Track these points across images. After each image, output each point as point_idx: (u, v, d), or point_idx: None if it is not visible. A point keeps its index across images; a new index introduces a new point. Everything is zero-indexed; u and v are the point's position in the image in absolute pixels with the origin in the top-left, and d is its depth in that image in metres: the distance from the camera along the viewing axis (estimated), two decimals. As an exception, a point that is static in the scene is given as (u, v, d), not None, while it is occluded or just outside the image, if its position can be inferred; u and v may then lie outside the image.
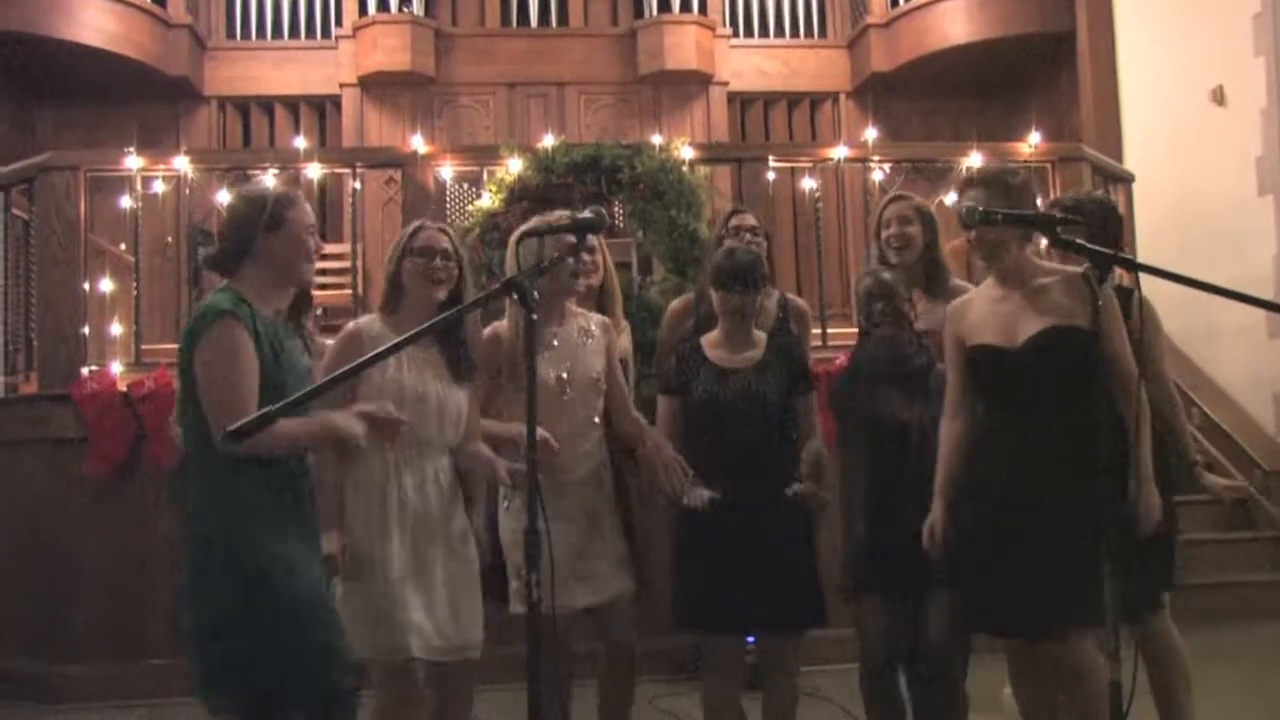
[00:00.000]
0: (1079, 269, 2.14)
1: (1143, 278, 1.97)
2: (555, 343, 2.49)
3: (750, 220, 3.02)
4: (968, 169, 4.51)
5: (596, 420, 2.52)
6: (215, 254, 2.12)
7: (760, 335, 2.58)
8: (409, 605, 2.20)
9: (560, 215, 2.48)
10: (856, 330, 2.70)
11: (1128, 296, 2.43)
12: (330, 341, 2.41)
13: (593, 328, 2.56)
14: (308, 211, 2.13)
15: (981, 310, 2.28)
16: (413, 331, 1.89)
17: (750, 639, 2.58)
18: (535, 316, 1.76)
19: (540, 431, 2.22)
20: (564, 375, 2.46)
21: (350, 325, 2.38)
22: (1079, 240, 1.83)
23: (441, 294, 2.34)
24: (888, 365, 2.49)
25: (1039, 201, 2.57)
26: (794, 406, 2.51)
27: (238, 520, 1.94)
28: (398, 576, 2.21)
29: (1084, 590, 1.93)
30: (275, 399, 1.79)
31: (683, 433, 2.52)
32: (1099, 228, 2.49)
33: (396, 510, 2.24)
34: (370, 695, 2.24)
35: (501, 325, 2.49)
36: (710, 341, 2.57)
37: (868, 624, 2.51)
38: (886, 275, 2.56)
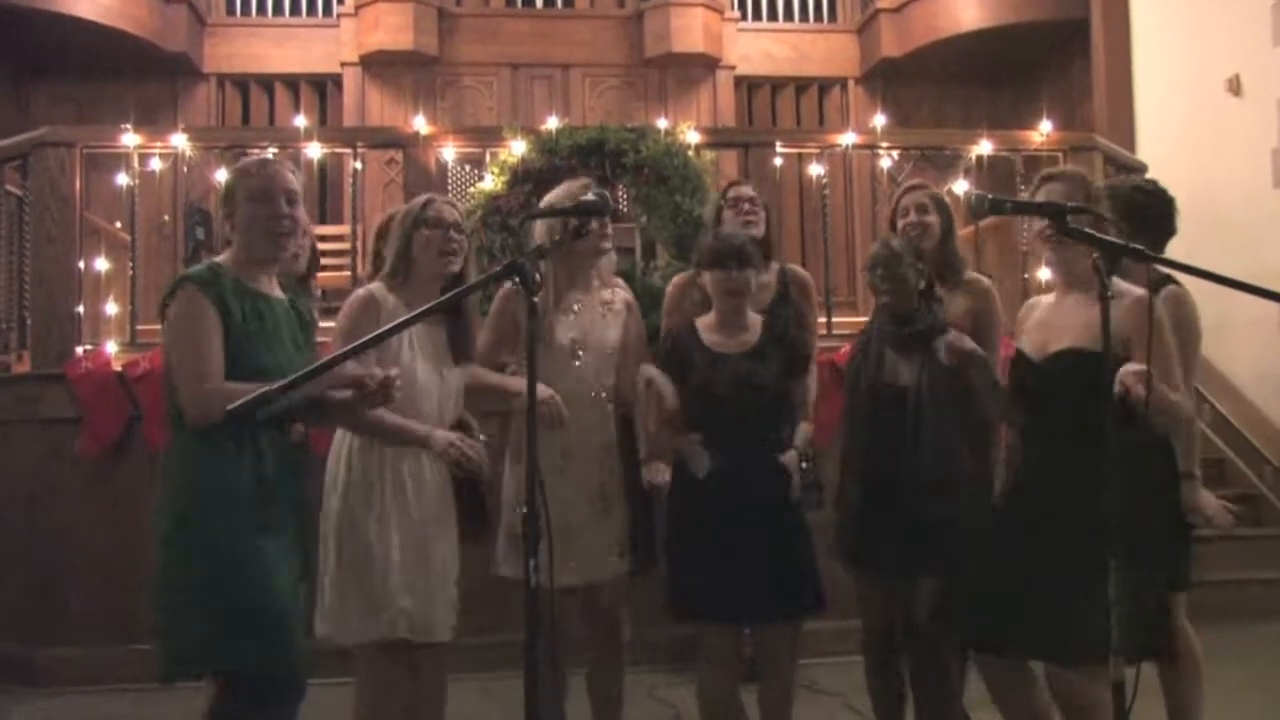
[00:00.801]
0: (1143, 291, 2.03)
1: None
2: (576, 308, 2.50)
3: (748, 191, 2.94)
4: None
5: (606, 395, 2.49)
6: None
7: (755, 318, 2.51)
8: (399, 589, 2.20)
9: (572, 186, 2.45)
10: (862, 319, 2.68)
11: (1160, 288, 2.36)
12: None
13: (617, 304, 2.55)
14: (266, 176, 2.04)
15: (1039, 313, 2.24)
16: (428, 305, 1.90)
17: (747, 630, 2.54)
18: (536, 299, 1.72)
19: (546, 390, 2.23)
20: (578, 339, 2.45)
21: (362, 291, 2.33)
22: (1084, 229, 1.76)
23: (455, 267, 2.33)
24: (886, 329, 2.47)
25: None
26: (790, 390, 2.46)
27: (198, 495, 1.95)
28: (390, 560, 2.21)
29: (1092, 624, 1.78)
30: (242, 364, 1.91)
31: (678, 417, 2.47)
32: (1129, 216, 2.40)
33: (391, 496, 2.24)
34: (342, 682, 2.25)
35: None
36: (705, 324, 2.52)
37: (866, 604, 2.53)
38: (894, 243, 2.51)
